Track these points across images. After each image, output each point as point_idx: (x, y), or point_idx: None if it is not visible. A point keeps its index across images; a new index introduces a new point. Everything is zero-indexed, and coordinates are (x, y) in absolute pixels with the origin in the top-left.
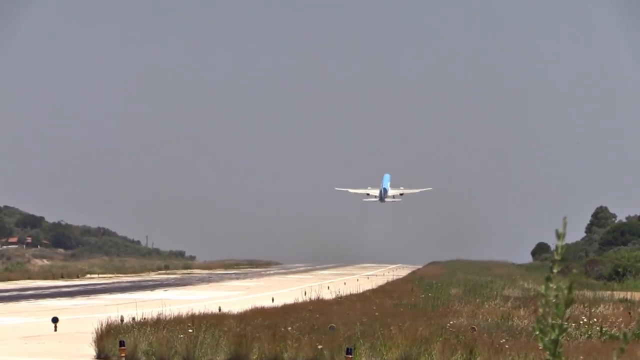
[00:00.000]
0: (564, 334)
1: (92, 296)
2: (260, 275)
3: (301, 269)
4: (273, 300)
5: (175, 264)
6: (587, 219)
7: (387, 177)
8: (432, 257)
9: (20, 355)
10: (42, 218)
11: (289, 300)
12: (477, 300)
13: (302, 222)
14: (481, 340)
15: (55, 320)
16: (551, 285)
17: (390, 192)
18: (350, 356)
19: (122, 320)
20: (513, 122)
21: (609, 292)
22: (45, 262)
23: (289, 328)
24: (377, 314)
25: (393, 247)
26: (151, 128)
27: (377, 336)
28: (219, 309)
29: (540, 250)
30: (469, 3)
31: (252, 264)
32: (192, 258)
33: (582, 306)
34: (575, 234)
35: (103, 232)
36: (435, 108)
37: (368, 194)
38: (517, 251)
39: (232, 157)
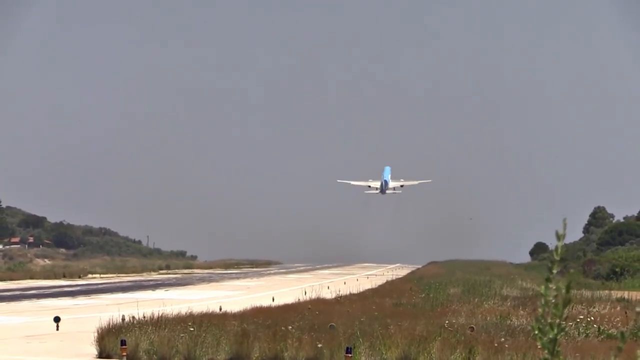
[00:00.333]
0: (562, 333)
1: (94, 296)
2: (260, 274)
3: (301, 268)
4: (273, 299)
5: (176, 264)
6: (585, 219)
7: (387, 169)
8: (431, 257)
9: (22, 355)
10: (44, 218)
11: (290, 299)
12: (476, 299)
13: (302, 222)
14: (480, 340)
15: (57, 319)
16: (550, 285)
17: (391, 184)
18: (349, 355)
19: (123, 319)
20: (512, 122)
21: (606, 292)
22: (47, 262)
23: (290, 327)
24: (376, 313)
25: (392, 247)
26: (151, 128)
27: (376, 335)
28: (220, 309)
29: (539, 250)
30: (469, 3)
31: (253, 263)
32: (193, 258)
33: (580, 305)
34: (573, 233)
35: (104, 232)
36: (434, 108)
37: (369, 186)
38: (516, 251)
39: (232, 157)
